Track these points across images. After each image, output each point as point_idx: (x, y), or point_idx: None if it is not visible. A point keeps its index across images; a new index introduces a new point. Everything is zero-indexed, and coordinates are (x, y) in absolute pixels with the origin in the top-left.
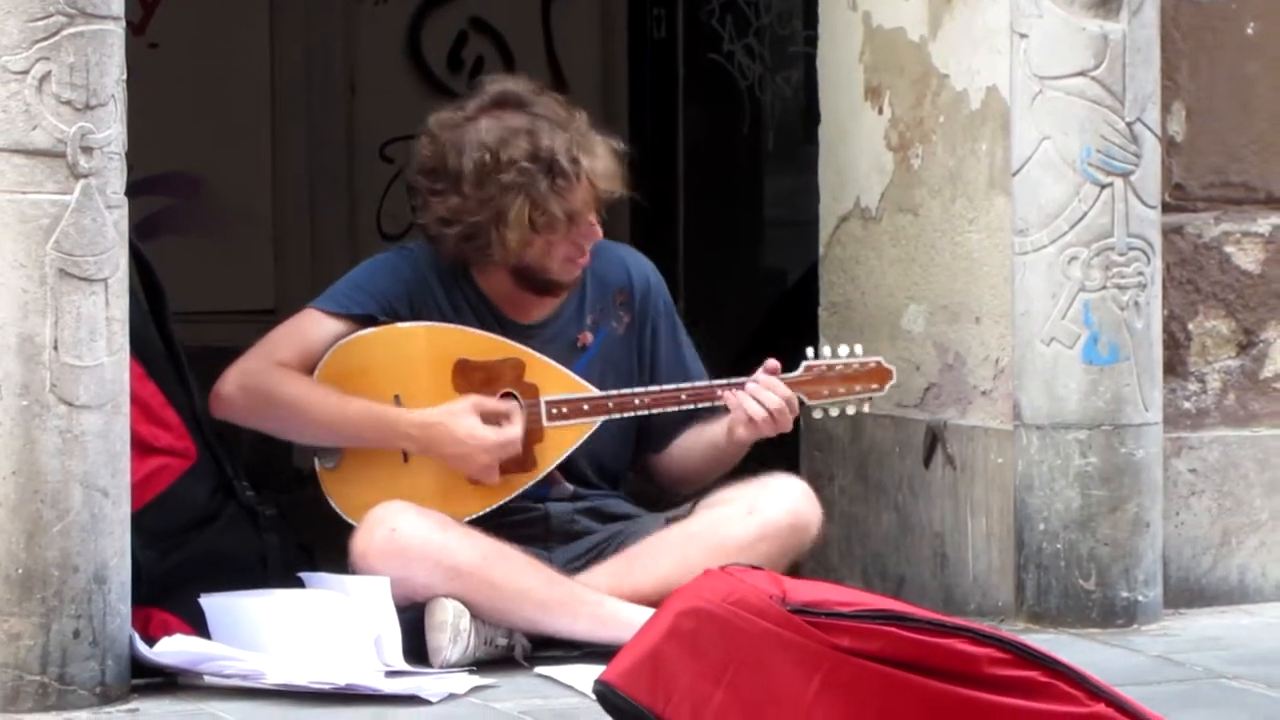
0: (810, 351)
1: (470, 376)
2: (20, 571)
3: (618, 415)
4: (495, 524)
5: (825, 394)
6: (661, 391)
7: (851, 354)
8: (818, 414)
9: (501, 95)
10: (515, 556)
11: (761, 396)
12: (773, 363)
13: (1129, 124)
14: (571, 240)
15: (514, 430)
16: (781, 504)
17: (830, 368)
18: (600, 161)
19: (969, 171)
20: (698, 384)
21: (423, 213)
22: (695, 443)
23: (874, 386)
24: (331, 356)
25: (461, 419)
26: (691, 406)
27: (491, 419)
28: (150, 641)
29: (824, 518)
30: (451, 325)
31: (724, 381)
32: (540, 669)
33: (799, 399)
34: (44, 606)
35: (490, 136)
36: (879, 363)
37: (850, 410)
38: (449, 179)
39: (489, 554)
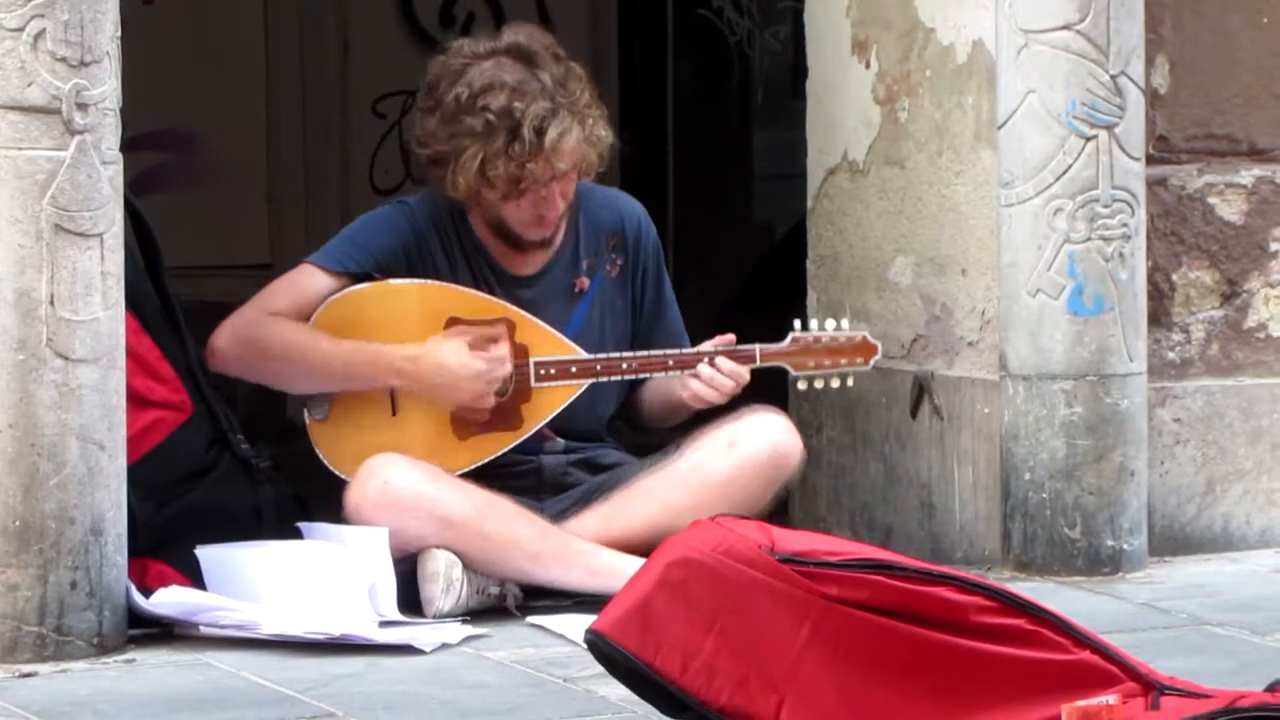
0: (797, 324)
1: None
2: (17, 524)
3: (604, 379)
4: (488, 476)
5: (811, 365)
6: (649, 357)
7: (839, 327)
8: (802, 385)
9: (514, 46)
10: (507, 507)
11: (716, 383)
12: (728, 336)
13: (1113, 77)
14: (530, 204)
15: (500, 352)
16: (761, 437)
17: (816, 340)
18: (569, 140)
19: (955, 124)
20: (685, 351)
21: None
22: (656, 394)
23: (859, 360)
24: (325, 310)
25: (448, 347)
26: (678, 373)
27: (479, 347)
28: (146, 592)
29: (804, 450)
30: (444, 283)
31: (712, 346)
32: (532, 618)
33: (785, 368)
34: (41, 558)
35: (479, 80)
36: (864, 337)
37: (835, 383)
38: (433, 102)
39: (481, 505)
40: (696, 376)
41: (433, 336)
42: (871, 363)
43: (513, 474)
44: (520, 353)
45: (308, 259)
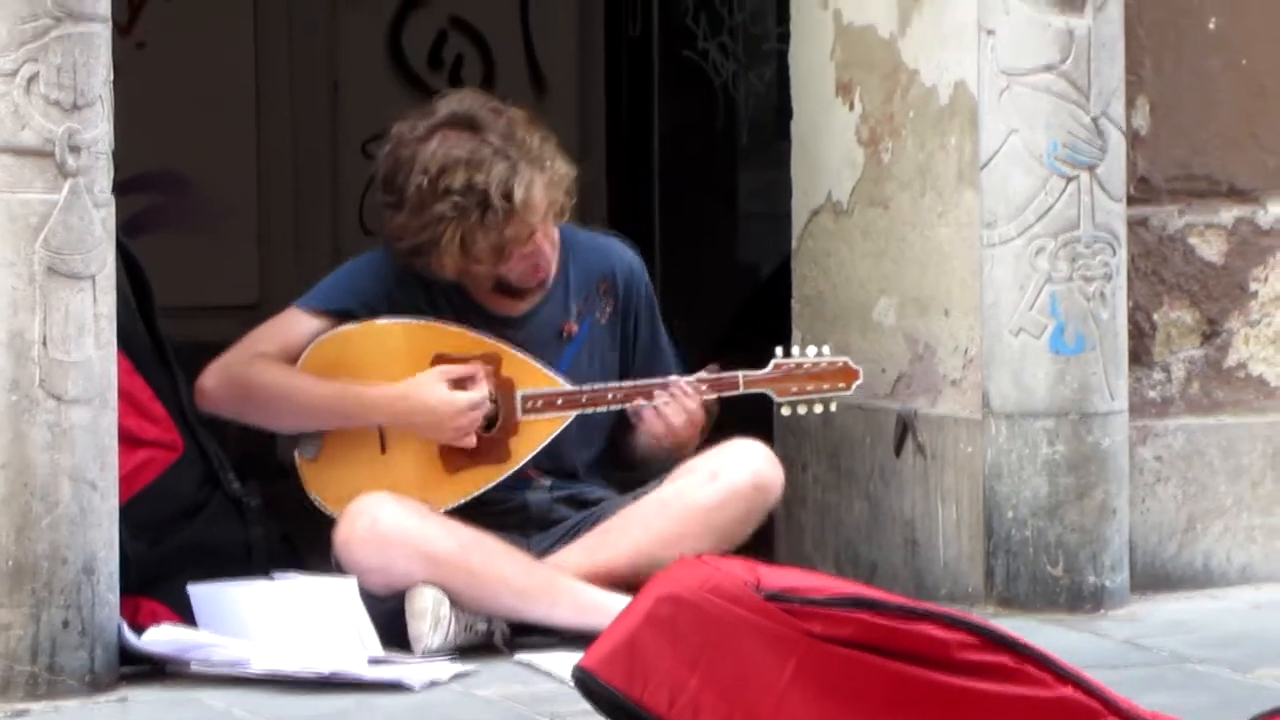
0: (779, 350)
1: None
2: (10, 563)
3: (590, 410)
4: (475, 513)
5: (794, 391)
6: (635, 387)
7: (820, 353)
8: (785, 410)
9: (452, 116)
10: (493, 545)
11: (666, 413)
12: (713, 366)
13: (1094, 118)
14: (520, 261)
15: (481, 391)
16: (743, 466)
17: (798, 366)
18: (536, 191)
19: (938, 165)
20: (668, 380)
21: (382, 222)
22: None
23: (841, 385)
24: (311, 351)
25: (430, 386)
26: (664, 403)
27: (459, 386)
28: (138, 630)
29: (785, 478)
30: (429, 321)
31: (696, 377)
32: (520, 655)
33: (769, 394)
34: (34, 597)
35: (433, 162)
36: (846, 362)
37: (818, 409)
38: (395, 197)
39: (467, 542)
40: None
41: (413, 376)
42: (853, 387)
43: (500, 511)
44: (507, 386)
45: (294, 304)
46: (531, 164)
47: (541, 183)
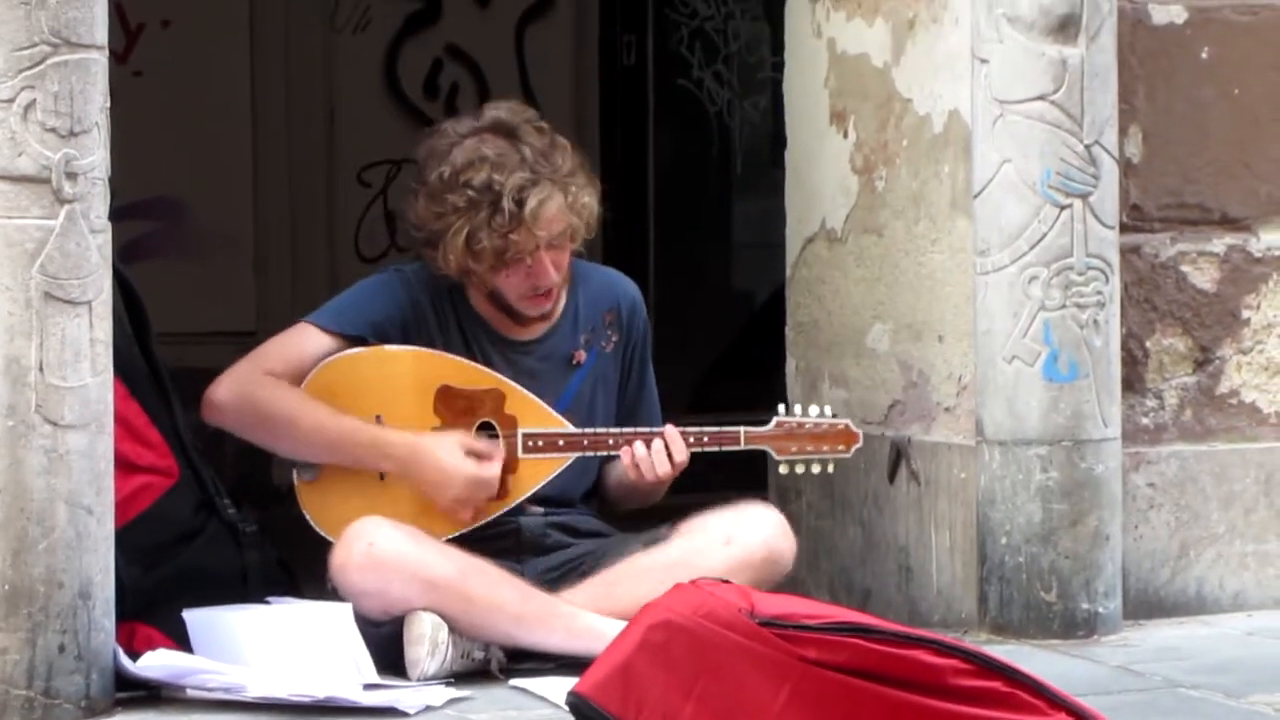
0: (781, 408)
1: (452, 403)
2: (6, 588)
3: (590, 454)
4: (467, 537)
5: (793, 450)
6: (635, 433)
7: (821, 414)
8: (784, 469)
9: (496, 121)
10: (490, 571)
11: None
12: (671, 430)
13: (1087, 146)
14: (522, 275)
15: (492, 470)
16: (757, 535)
17: (800, 426)
18: (550, 207)
19: (932, 193)
20: (668, 431)
21: (405, 209)
22: (615, 474)
23: (840, 448)
24: (319, 372)
25: (446, 446)
26: (657, 450)
27: (475, 450)
28: (134, 656)
29: (796, 547)
30: (438, 352)
31: (699, 430)
32: (515, 681)
33: (768, 451)
34: (30, 622)
35: (461, 158)
36: (847, 425)
37: (815, 469)
38: (421, 183)
39: (465, 568)
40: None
41: (431, 431)
42: (853, 451)
43: (493, 535)
44: (509, 423)
45: (306, 318)
46: (554, 183)
47: (558, 202)
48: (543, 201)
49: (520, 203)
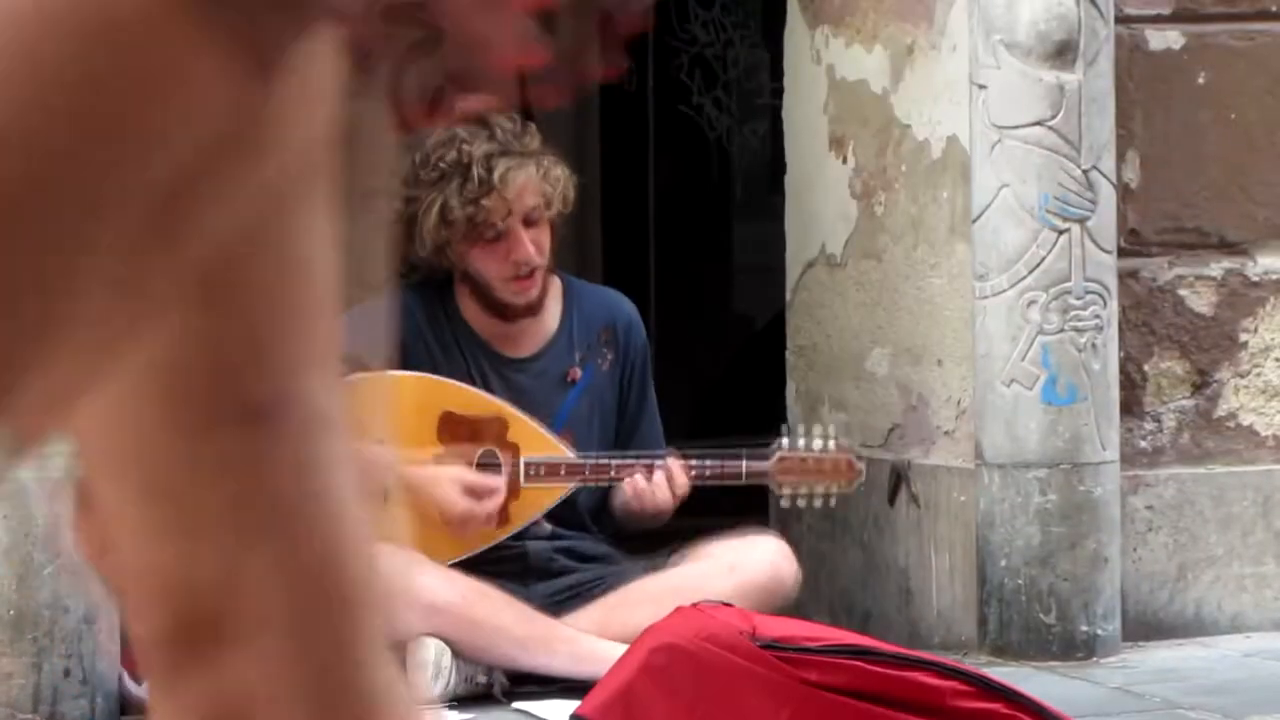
0: (785, 441)
1: (454, 429)
2: (12, 613)
3: (592, 483)
4: (473, 560)
5: (795, 483)
6: (637, 462)
7: (824, 441)
8: (785, 503)
9: (471, 113)
10: (494, 595)
11: (651, 492)
12: (673, 462)
13: (1085, 171)
14: (502, 252)
15: (488, 508)
16: (761, 563)
17: (802, 461)
18: (520, 175)
19: (930, 218)
20: (670, 461)
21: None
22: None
23: (842, 482)
24: None
25: (444, 482)
26: (659, 480)
27: (475, 488)
28: (139, 680)
29: (799, 573)
30: (440, 378)
31: (700, 463)
32: (517, 704)
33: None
34: (35, 646)
35: (432, 141)
36: (849, 460)
37: (817, 503)
38: (403, 177)
39: (467, 592)
40: (647, 478)
41: (433, 458)
42: (855, 485)
43: (498, 559)
44: (511, 451)
45: None
46: (525, 155)
47: (529, 172)
48: (511, 169)
49: (489, 169)
